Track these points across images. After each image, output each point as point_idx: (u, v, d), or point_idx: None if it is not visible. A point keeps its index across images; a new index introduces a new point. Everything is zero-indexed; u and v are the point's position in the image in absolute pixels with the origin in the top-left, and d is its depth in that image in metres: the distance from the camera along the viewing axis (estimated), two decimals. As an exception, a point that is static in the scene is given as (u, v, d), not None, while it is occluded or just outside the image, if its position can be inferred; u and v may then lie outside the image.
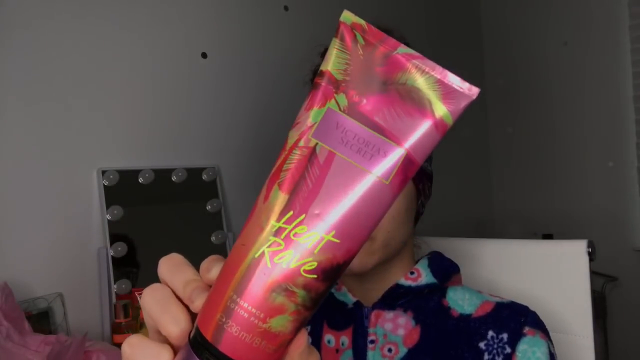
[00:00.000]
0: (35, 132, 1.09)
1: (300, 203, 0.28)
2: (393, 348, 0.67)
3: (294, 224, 0.28)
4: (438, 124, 0.28)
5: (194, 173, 1.32)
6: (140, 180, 1.23)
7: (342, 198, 0.28)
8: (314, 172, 0.28)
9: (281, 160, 0.29)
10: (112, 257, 1.16)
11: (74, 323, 1.10)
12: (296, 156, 0.29)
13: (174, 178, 1.29)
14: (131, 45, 1.24)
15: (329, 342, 0.71)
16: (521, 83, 2.39)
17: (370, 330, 0.69)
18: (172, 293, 0.32)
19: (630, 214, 2.16)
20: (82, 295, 1.13)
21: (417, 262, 0.74)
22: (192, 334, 0.30)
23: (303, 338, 0.29)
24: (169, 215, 1.27)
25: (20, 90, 1.08)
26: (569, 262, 0.90)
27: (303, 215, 0.28)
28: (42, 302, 1.05)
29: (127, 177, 1.21)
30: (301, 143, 0.29)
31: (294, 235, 0.27)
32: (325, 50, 0.31)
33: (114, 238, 1.17)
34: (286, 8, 1.56)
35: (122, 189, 1.19)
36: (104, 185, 1.17)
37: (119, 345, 1.06)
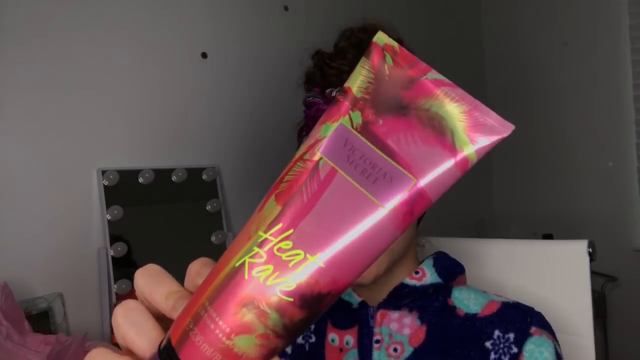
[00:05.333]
0: (35, 132, 1.09)
1: (291, 217, 0.26)
2: (399, 348, 0.67)
3: (280, 237, 0.25)
4: (459, 161, 0.26)
5: (194, 173, 1.32)
6: (140, 180, 1.23)
7: (334, 219, 0.25)
8: (312, 187, 0.26)
9: (284, 172, 0.27)
10: (112, 257, 1.16)
11: (74, 323, 1.10)
12: (299, 168, 0.27)
13: (174, 178, 1.29)
14: (131, 45, 1.24)
15: (332, 341, 0.71)
16: (521, 83, 2.39)
17: (376, 330, 0.69)
18: (147, 313, 0.29)
19: (630, 214, 2.16)
20: (82, 295, 1.13)
21: (421, 262, 0.74)
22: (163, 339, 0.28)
23: None
24: (169, 215, 1.27)
25: (20, 91, 1.07)
26: (569, 262, 0.90)
27: (291, 230, 0.25)
28: (42, 302, 1.05)
29: (127, 177, 1.21)
30: (306, 156, 0.27)
31: (277, 250, 0.25)
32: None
33: (114, 238, 1.16)
34: (286, 8, 1.56)
35: (122, 189, 1.19)
36: (104, 185, 1.16)
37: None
